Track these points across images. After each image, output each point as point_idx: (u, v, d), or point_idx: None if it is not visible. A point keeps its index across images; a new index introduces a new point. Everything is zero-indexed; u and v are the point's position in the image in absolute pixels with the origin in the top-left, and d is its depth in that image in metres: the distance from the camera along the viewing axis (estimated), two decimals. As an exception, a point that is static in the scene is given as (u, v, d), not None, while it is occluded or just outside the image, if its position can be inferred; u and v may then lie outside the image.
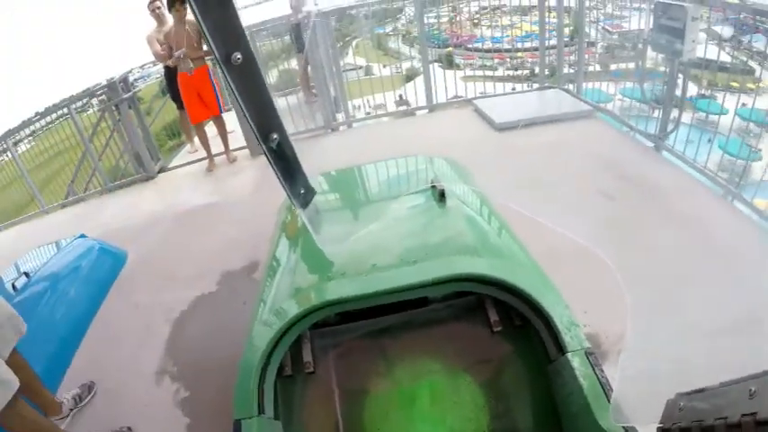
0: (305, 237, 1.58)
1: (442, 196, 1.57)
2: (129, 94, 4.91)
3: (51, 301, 2.86)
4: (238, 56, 0.75)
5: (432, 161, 2.02)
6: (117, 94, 4.75)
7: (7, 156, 6.17)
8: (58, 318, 2.81)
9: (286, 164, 1.01)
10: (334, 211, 1.79)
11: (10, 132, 5.69)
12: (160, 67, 5.53)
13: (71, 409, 2.25)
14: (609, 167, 3.27)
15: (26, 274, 2.98)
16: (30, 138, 6.22)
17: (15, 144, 5.78)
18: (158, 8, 4.78)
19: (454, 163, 2.10)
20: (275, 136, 0.90)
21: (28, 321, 1.87)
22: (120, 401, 2.30)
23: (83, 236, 3.55)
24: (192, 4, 0.70)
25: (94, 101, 5.68)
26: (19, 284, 2.88)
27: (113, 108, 4.87)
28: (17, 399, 1.76)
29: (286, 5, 5.01)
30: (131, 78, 5.40)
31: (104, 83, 5.08)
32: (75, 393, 2.30)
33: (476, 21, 6.09)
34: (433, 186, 1.64)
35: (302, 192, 1.10)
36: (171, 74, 4.71)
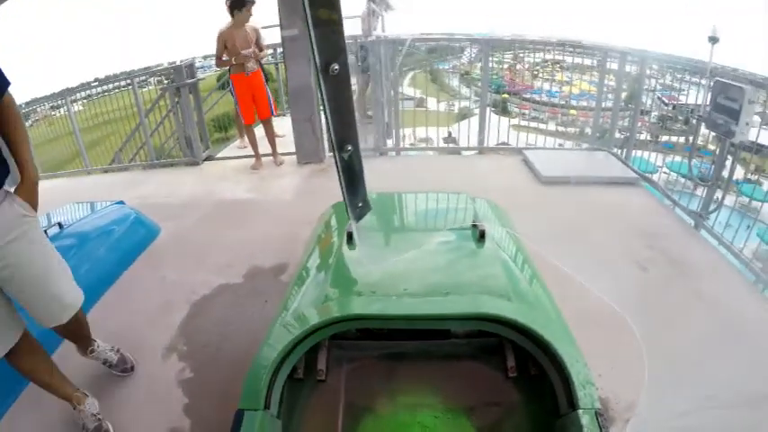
0: (340, 250, 1.62)
1: (481, 236, 1.60)
2: (194, 80, 5.11)
3: (77, 256, 2.94)
4: (336, 67, 0.82)
5: (474, 201, 2.05)
6: (181, 78, 4.95)
7: (60, 112, 6.49)
8: (80, 273, 2.85)
9: (352, 176, 1.06)
10: (373, 231, 1.83)
11: (68, 91, 5.99)
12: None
13: (91, 352, 2.18)
14: (646, 238, 3.25)
15: (60, 225, 3.08)
16: (84, 101, 6.53)
17: (72, 102, 6.06)
18: None
19: (496, 206, 2.12)
20: (350, 147, 0.95)
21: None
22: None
23: (121, 202, 3.67)
24: (307, 12, 0.76)
25: (152, 79, 5.93)
26: (51, 233, 2.97)
27: (175, 90, 5.07)
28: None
29: (355, 27, 5.18)
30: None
31: (167, 65, 5.31)
32: (111, 358, 2.24)
33: (535, 72, 6.14)
34: (474, 226, 1.66)
35: (360, 205, 1.15)
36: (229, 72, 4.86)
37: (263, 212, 3.91)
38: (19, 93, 1.90)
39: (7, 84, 1.61)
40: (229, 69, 4.70)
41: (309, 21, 0.77)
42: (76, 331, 2.06)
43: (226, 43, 4.50)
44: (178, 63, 5.04)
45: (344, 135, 0.94)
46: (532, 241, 1.84)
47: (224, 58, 4.58)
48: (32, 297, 1.69)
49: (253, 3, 4.44)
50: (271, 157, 5.07)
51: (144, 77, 5.82)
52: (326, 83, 0.83)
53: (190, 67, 5.06)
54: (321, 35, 0.79)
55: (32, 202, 1.66)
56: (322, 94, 0.85)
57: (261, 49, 4.75)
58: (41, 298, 1.71)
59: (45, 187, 5.20)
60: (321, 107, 4.59)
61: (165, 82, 5.36)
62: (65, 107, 6.08)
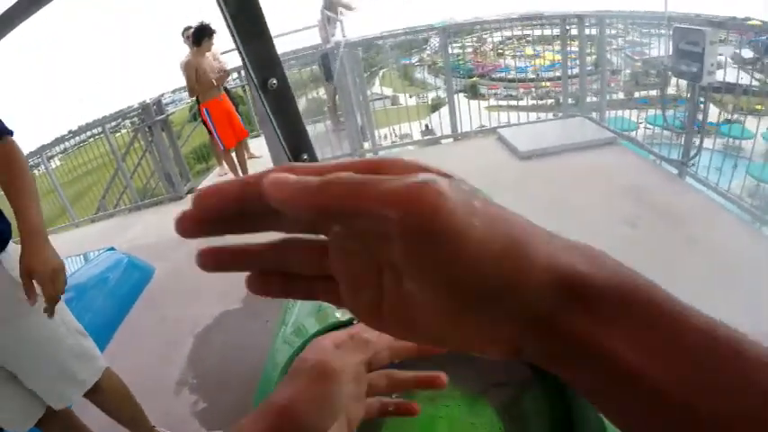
0: None
1: None
2: (162, 116, 5.12)
3: (77, 310, 2.89)
4: (274, 81, 0.83)
5: None
6: (150, 117, 4.96)
7: (40, 170, 6.47)
8: (82, 325, 2.87)
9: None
10: None
11: (44, 148, 5.98)
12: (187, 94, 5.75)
13: None
14: (632, 195, 3.27)
15: (54, 282, 3.06)
16: (61, 154, 6.52)
17: (49, 159, 6.05)
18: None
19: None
20: (305, 156, 0.96)
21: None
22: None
23: (112, 249, 3.67)
24: (234, 33, 0.77)
25: (127, 122, 5.94)
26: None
27: (146, 129, 5.07)
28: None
29: (315, 36, 5.20)
30: (164, 102, 5.62)
31: (137, 105, 5.32)
32: None
33: (500, 51, 6.16)
34: None
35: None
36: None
37: (253, 235, 3.88)
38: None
39: (6, 132, 1.39)
40: (197, 100, 4.69)
41: (238, 40, 0.78)
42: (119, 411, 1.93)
43: (196, 71, 4.52)
44: (147, 101, 5.04)
45: (297, 145, 0.95)
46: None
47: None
48: (31, 381, 1.52)
49: (214, 32, 4.48)
50: None
51: (116, 122, 5.81)
52: (268, 98, 0.85)
53: (158, 104, 5.07)
54: (253, 52, 0.80)
55: (35, 260, 1.31)
56: (266, 111, 0.87)
57: (226, 74, 4.78)
58: (42, 380, 1.54)
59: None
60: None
61: (138, 122, 5.37)
62: (42, 165, 6.06)
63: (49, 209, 6.63)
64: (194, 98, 4.99)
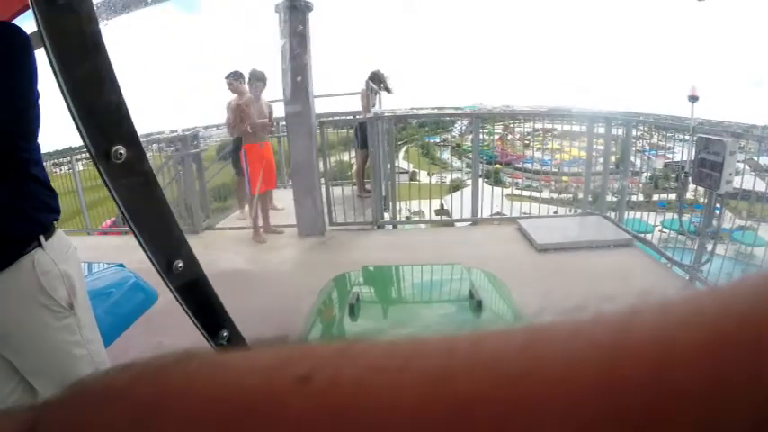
0: (341, 323, 1.64)
1: (478, 306, 1.62)
2: (198, 150, 5.29)
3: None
4: (180, 264, 0.72)
5: (470, 271, 2.08)
6: (186, 148, 5.11)
7: (60, 170, 6.58)
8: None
9: (200, 301, 0.76)
10: (373, 304, 1.85)
11: (71, 150, 6.16)
12: (222, 132, 5.93)
13: None
14: (641, 296, 3.26)
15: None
16: (86, 160, 6.67)
17: (77, 161, 6.22)
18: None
19: (492, 276, 2.15)
20: (180, 264, 0.71)
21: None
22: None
23: (121, 265, 3.65)
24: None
25: (154, 146, 6.10)
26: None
27: (179, 159, 5.21)
28: None
29: (355, 103, 5.43)
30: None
31: (168, 133, 5.48)
32: None
33: (526, 141, 6.30)
34: (471, 296, 1.69)
35: (225, 334, 0.82)
36: (238, 142, 5.00)
37: (263, 284, 3.87)
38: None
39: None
40: (241, 140, 4.84)
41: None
42: None
43: (242, 114, 4.69)
44: (181, 132, 5.22)
45: (167, 250, 0.77)
46: (530, 308, 1.85)
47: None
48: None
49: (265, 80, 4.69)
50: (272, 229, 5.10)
51: (145, 144, 5.96)
52: (111, 173, 0.65)
53: (194, 137, 5.23)
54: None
55: None
56: (117, 205, 0.68)
57: (271, 123, 4.94)
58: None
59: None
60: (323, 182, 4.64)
61: (169, 150, 5.51)
62: (66, 165, 6.17)
63: (66, 209, 6.69)
64: (232, 138, 5.14)
